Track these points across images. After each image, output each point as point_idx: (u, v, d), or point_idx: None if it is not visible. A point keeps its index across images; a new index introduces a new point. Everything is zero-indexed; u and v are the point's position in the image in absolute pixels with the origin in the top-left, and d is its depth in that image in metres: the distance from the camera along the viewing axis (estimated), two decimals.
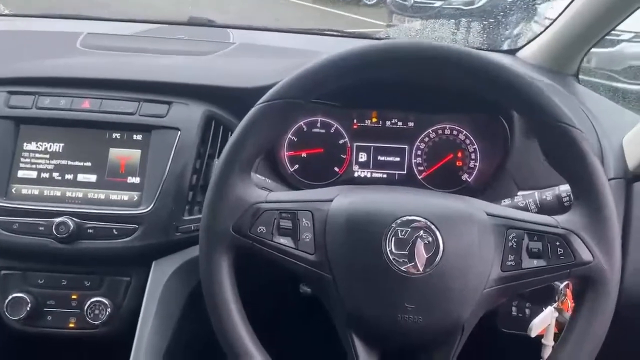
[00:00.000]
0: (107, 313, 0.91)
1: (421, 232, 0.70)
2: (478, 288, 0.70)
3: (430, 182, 1.06)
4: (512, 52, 1.40)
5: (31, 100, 0.95)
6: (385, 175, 1.07)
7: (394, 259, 0.69)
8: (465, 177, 1.06)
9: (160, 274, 0.93)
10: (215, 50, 1.19)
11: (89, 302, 0.92)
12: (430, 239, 0.69)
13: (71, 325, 0.92)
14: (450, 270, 0.69)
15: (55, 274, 0.93)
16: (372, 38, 1.69)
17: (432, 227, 0.70)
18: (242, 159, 0.73)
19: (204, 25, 1.47)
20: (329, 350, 0.97)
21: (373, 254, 0.69)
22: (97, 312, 0.91)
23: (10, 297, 0.91)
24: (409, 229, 0.70)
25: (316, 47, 1.35)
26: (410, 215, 0.70)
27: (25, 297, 0.91)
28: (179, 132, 0.94)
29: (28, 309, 0.91)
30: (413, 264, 0.69)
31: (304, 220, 0.73)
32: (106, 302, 0.92)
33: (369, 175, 1.07)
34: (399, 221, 0.70)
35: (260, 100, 0.74)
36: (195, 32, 1.43)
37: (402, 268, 0.69)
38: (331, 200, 0.74)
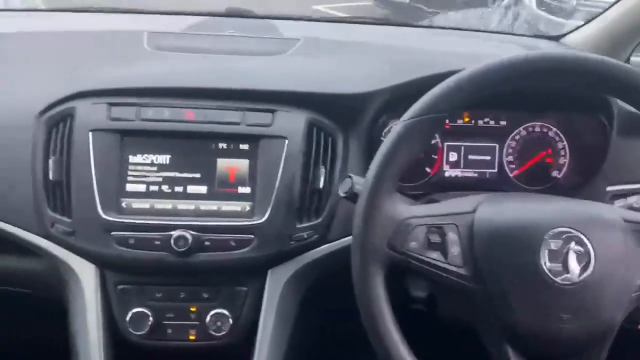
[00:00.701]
0: (229, 324, 0.92)
1: (572, 243, 0.72)
2: (627, 293, 0.73)
3: (521, 179, 1.08)
4: (555, 38, 1.41)
5: (133, 112, 0.93)
6: (476, 174, 1.09)
7: (548, 271, 0.71)
8: (555, 173, 1.08)
9: (276, 283, 0.94)
10: (286, 47, 1.17)
11: (210, 315, 0.92)
12: (581, 249, 0.72)
13: (191, 337, 0.93)
14: (602, 278, 0.72)
15: (172, 287, 0.93)
16: (412, 26, 1.68)
17: (583, 237, 0.72)
18: (391, 176, 0.74)
19: (245, 16, 1.45)
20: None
21: (527, 267, 0.72)
22: (219, 324, 0.92)
23: (131, 312, 0.91)
24: (561, 241, 0.72)
25: (378, 39, 1.33)
26: (561, 227, 0.72)
27: (146, 311, 0.91)
28: (287, 141, 0.94)
29: (150, 323, 0.91)
30: (567, 275, 0.71)
31: (450, 233, 0.75)
32: (227, 314, 0.92)
33: (459, 174, 1.09)
34: (551, 233, 0.72)
35: (408, 116, 0.74)
36: (236, 25, 1.41)
37: (557, 280, 0.71)
38: (474, 212, 0.76)
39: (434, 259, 0.74)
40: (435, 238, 0.74)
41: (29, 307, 1.09)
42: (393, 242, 0.73)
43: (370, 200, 0.72)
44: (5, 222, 0.93)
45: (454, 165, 1.08)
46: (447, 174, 1.08)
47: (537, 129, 1.08)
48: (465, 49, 1.25)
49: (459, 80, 0.73)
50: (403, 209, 0.75)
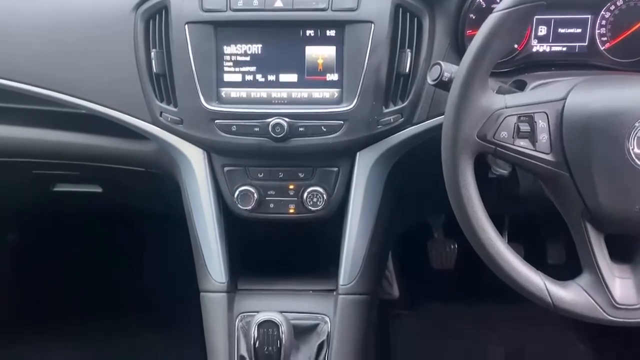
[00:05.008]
0: (324, 200, 1.02)
1: None
2: None
3: (612, 52, 1.05)
4: None
5: (224, 2, 0.95)
6: (564, 49, 1.06)
7: (635, 156, 0.74)
8: None
9: (364, 164, 1.02)
10: None
11: (307, 192, 1.02)
12: None
13: (291, 211, 1.04)
14: None
15: (272, 168, 1.03)
16: None
17: None
18: (484, 68, 0.75)
19: None
20: None
21: (614, 154, 0.75)
22: (315, 200, 1.02)
23: (238, 190, 1.03)
24: None
25: None
26: None
27: (251, 189, 1.02)
28: (373, 26, 0.95)
29: (255, 199, 1.02)
30: None
31: (540, 122, 0.77)
32: (321, 191, 1.02)
33: (547, 49, 1.06)
34: None
35: (504, 6, 0.73)
36: None
37: None
38: (564, 99, 0.77)
39: (523, 147, 0.77)
40: (525, 127, 0.77)
41: (145, 183, 1.24)
42: (484, 132, 0.76)
43: (463, 93, 0.75)
44: (119, 111, 1.03)
45: (543, 39, 1.06)
46: (534, 49, 1.06)
47: None
48: None
49: None
50: (495, 100, 0.77)
